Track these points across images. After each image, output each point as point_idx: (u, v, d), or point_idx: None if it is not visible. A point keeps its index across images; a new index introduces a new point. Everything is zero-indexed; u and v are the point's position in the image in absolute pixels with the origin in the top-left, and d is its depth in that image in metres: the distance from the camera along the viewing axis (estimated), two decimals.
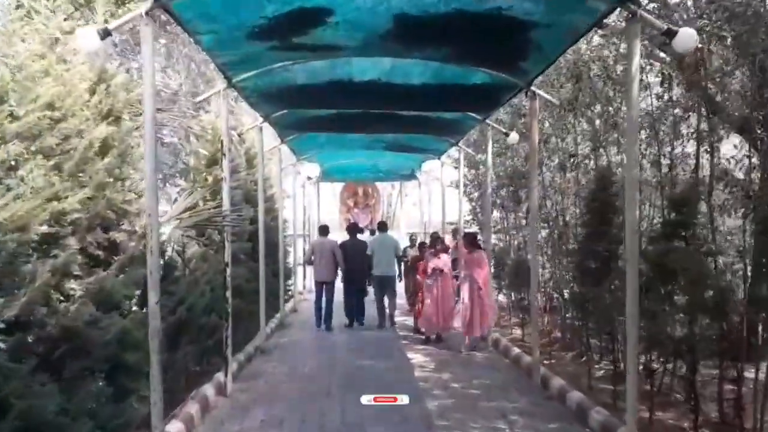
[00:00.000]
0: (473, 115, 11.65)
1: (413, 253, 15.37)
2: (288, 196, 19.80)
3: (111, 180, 6.89)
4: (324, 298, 14.31)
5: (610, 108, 9.87)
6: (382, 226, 15.65)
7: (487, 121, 11.84)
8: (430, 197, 22.80)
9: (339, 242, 14.72)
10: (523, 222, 13.79)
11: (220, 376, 8.88)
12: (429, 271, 12.40)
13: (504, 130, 11.98)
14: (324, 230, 15.18)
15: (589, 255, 8.63)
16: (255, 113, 12.02)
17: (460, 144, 14.76)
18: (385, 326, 14.28)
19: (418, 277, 13.34)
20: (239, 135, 11.45)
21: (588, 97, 10.26)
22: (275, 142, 14.82)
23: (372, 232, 19.67)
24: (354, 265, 14.21)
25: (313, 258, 14.62)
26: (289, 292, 18.34)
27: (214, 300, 9.45)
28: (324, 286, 14.31)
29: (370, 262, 14.23)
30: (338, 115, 11.80)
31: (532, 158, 9.45)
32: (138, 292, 6.96)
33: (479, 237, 12.84)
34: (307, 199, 22.99)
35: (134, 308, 6.92)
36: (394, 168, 21.37)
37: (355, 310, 14.55)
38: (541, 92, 9.23)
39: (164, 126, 9.56)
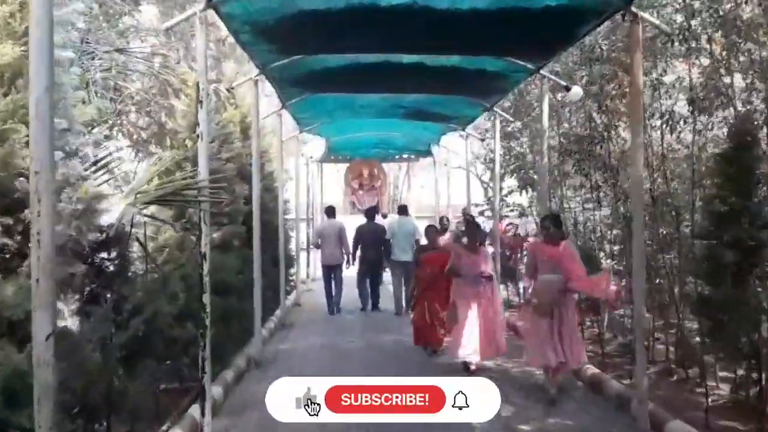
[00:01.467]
0: (523, 63, 8.85)
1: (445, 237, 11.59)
2: (291, 178, 17.14)
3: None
4: (333, 283, 13.71)
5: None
6: (402, 210, 14.62)
7: (543, 72, 9.07)
8: (449, 177, 19.96)
9: (356, 226, 13.97)
10: (594, 202, 10.72)
11: (195, 411, 6.22)
12: (461, 271, 8.74)
13: (564, 83, 9.28)
14: (330, 211, 14.45)
15: (721, 243, 5.91)
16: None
17: (495, 108, 11.98)
18: (402, 313, 13.02)
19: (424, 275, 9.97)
20: (229, 90, 8.67)
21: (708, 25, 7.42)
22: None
23: (384, 216, 18.18)
24: (370, 249, 13.55)
25: (320, 241, 13.93)
26: (291, 283, 15.71)
27: (192, 303, 6.75)
28: (332, 270, 13.69)
29: (388, 246, 13.49)
30: (354, 66, 9.03)
31: (634, 109, 6.69)
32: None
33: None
34: (310, 182, 20.36)
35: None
36: (409, 142, 18.49)
37: (370, 295, 13.89)
38: (646, 15, 6.52)
39: (129, 73, 6.83)
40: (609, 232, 10.79)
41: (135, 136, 7.96)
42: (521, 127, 14.31)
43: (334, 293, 13.75)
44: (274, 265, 12.51)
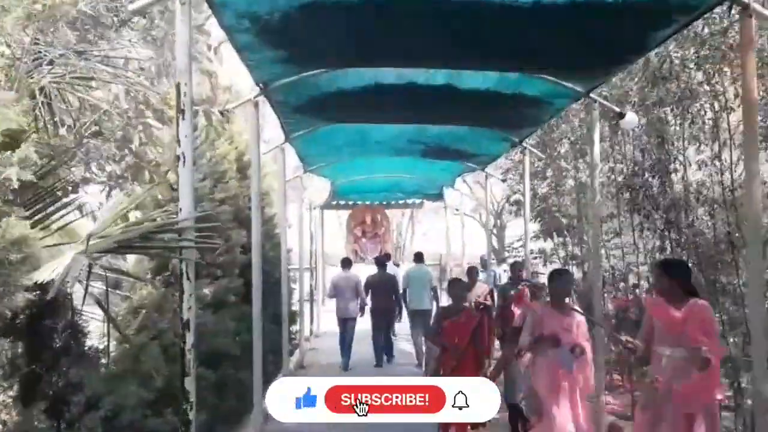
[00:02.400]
0: (570, 85, 7.24)
1: (477, 293, 9.37)
2: (291, 225, 15.52)
3: None
4: (347, 335, 12.96)
5: None
6: (418, 257, 13.78)
7: (592, 95, 7.45)
8: (463, 224, 18.31)
9: (367, 276, 13.25)
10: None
11: None
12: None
13: (616, 109, 7.68)
14: (347, 263, 13.78)
15: None
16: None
17: (525, 143, 10.38)
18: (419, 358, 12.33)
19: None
20: (222, 114, 7.00)
21: None
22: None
23: (396, 264, 17.45)
24: (382, 300, 12.85)
25: (335, 293, 13.21)
26: (294, 341, 13.92)
27: (176, 381, 4.97)
28: (347, 323, 12.99)
29: (399, 297, 12.91)
30: (373, 87, 7.40)
31: (749, 126, 5.05)
32: None
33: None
34: (313, 229, 18.71)
35: None
36: (421, 185, 16.82)
37: (384, 347, 13.03)
38: (760, 7, 4.92)
39: (90, 81, 5.16)
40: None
41: (108, 169, 6.25)
42: (545, 166, 12.73)
43: (347, 348, 12.96)
44: (275, 323, 10.77)
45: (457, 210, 18.38)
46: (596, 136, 7.78)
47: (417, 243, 35.66)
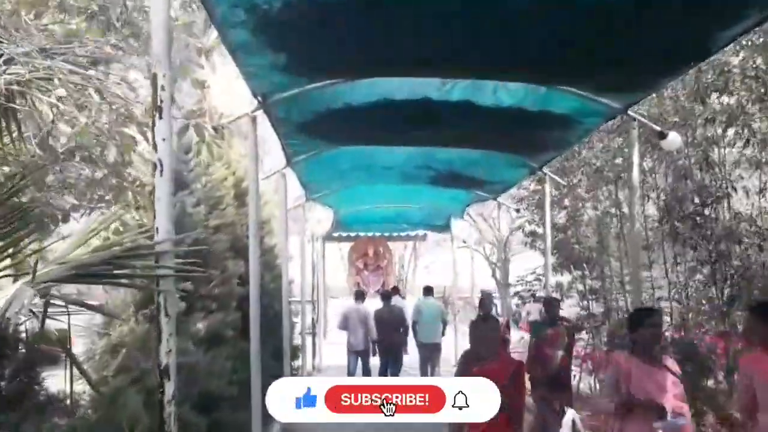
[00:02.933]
0: (606, 101, 6.46)
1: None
2: (291, 257, 14.73)
3: None
4: (361, 370, 12.46)
5: None
6: (428, 291, 13.50)
7: (631, 112, 6.67)
8: (473, 257, 17.73)
9: (374, 310, 12.83)
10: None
11: None
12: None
13: (657, 128, 6.90)
14: (360, 296, 13.32)
15: None
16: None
17: (545, 169, 9.60)
18: None
19: None
20: (216, 130, 6.19)
21: None
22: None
23: (402, 296, 15.99)
24: (389, 334, 12.43)
25: (347, 324, 12.72)
26: (296, 376, 13.06)
27: None
28: (359, 356, 12.60)
29: (407, 329, 12.70)
30: (383, 103, 6.66)
31: None
32: None
33: None
34: (315, 260, 17.98)
35: None
36: (428, 216, 16.04)
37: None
38: None
39: (50, 84, 4.29)
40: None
41: (83, 188, 5.45)
42: (561, 195, 11.98)
43: None
44: (275, 359, 9.93)
45: (464, 242, 17.54)
46: (635, 158, 6.93)
47: (419, 276, 34.82)
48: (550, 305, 8.59)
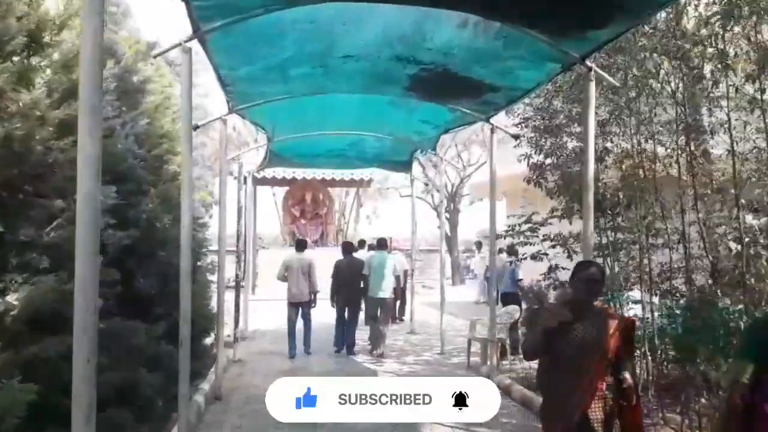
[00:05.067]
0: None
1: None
2: (215, 202, 11.37)
3: None
4: (302, 322, 11.91)
5: None
6: (381, 244, 12.92)
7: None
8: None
9: (335, 261, 12.52)
10: None
11: None
12: None
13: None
14: (301, 245, 12.48)
15: None
16: None
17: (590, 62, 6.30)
18: (380, 351, 11.78)
19: None
20: None
21: None
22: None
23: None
24: (349, 286, 12.19)
25: (286, 275, 11.92)
26: (211, 355, 9.62)
27: None
28: (300, 309, 11.89)
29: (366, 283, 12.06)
30: None
31: None
32: None
33: None
34: (242, 204, 14.45)
35: None
36: (390, 147, 12.45)
37: (346, 336, 12.23)
38: None
39: None
40: None
41: None
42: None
43: (303, 335, 11.84)
44: (171, 342, 6.50)
45: (427, 184, 14.41)
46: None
47: (362, 227, 31.62)
48: None
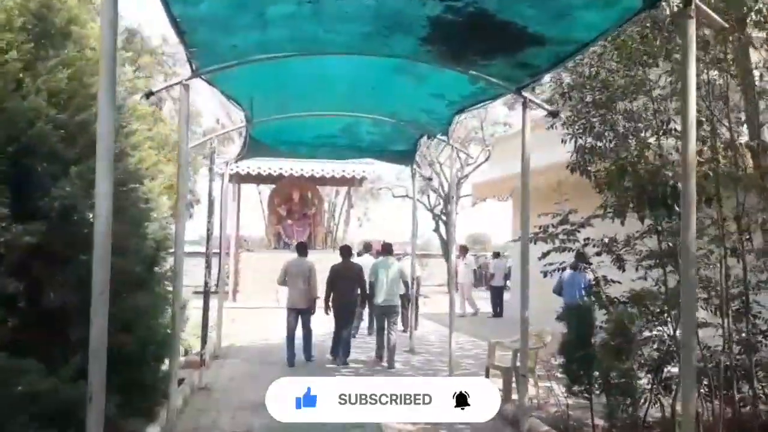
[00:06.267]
0: None
1: None
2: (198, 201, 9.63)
3: None
4: (301, 329, 11.33)
5: None
6: (387, 248, 12.57)
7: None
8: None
9: (331, 265, 11.74)
10: None
11: None
12: None
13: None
14: (302, 248, 12.05)
15: None
16: None
17: None
18: (384, 360, 11.23)
19: None
20: None
21: None
22: None
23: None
24: (345, 292, 11.39)
25: (286, 280, 11.46)
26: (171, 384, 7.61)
27: None
28: (300, 315, 11.31)
29: (365, 289, 11.54)
30: None
31: None
32: None
33: None
34: (221, 202, 12.71)
35: None
36: (391, 132, 10.36)
37: (342, 345, 11.48)
38: None
39: None
40: None
41: None
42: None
43: (303, 342, 11.41)
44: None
45: (430, 179, 13.02)
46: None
47: (353, 229, 29.72)
48: None
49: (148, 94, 6.05)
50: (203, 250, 10.15)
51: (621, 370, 6.31)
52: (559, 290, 10.29)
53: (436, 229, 31.27)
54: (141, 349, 6.11)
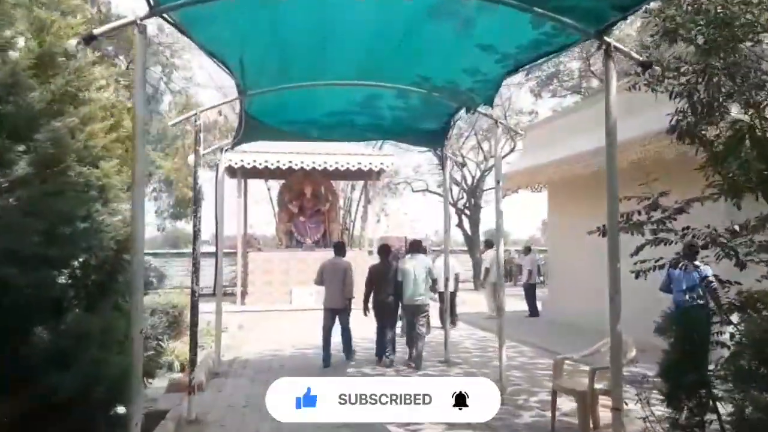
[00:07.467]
0: None
1: None
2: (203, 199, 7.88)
3: None
4: (340, 328, 11.17)
5: None
6: (416, 246, 11.86)
7: None
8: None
9: (370, 266, 11.90)
10: None
11: None
12: None
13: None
14: (339, 248, 11.98)
15: None
16: None
17: None
18: (413, 360, 10.76)
19: None
20: None
21: None
22: None
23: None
24: (385, 293, 11.08)
25: (323, 279, 11.31)
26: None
27: None
28: (337, 315, 11.16)
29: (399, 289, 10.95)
30: None
31: None
32: None
33: None
34: (221, 198, 11.48)
35: None
36: (419, 106, 8.39)
37: (387, 344, 11.14)
38: None
39: None
40: None
41: None
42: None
43: (342, 342, 11.13)
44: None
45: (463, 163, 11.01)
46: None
47: (371, 226, 27.88)
48: None
49: (88, 39, 4.27)
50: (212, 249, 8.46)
51: (759, 402, 4.49)
52: (667, 287, 8.70)
53: (459, 224, 29.45)
54: (83, 392, 4.35)
